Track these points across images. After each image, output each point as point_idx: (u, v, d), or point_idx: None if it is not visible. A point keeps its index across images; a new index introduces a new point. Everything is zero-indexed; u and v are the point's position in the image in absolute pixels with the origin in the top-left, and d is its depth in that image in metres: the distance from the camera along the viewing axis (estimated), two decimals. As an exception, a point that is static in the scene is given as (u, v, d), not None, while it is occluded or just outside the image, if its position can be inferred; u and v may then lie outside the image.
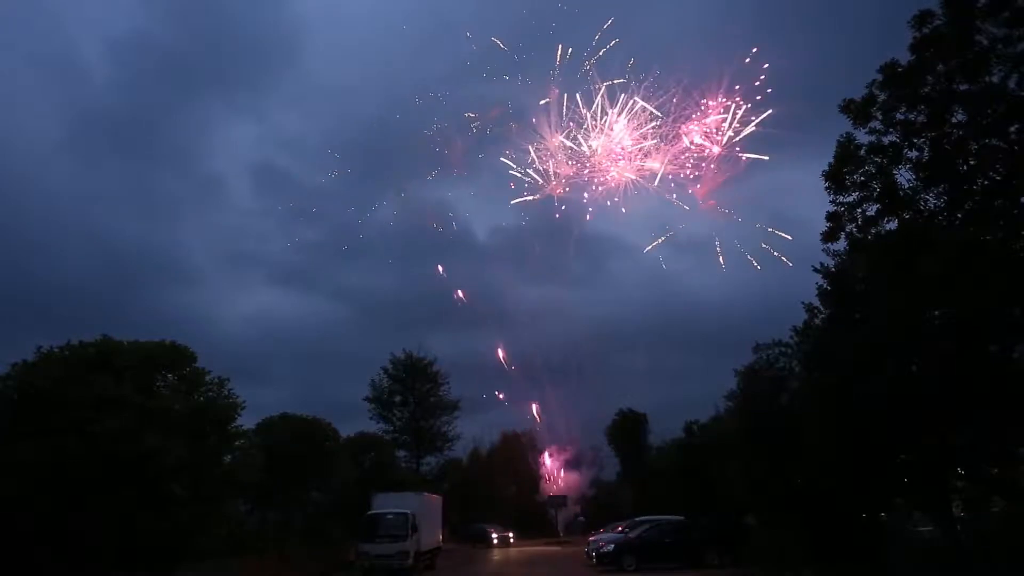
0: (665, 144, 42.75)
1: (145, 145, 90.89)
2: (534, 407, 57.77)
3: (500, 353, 56.06)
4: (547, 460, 59.08)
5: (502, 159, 46.70)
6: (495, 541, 45.18)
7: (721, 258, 48.62)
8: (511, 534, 47.34)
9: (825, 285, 19.16)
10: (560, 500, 53.44)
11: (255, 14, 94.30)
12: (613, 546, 24.51)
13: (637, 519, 29.47)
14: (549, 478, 58.14)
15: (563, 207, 52.70)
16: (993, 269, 13.05)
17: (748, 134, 41.38)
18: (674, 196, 47.80)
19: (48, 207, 78.31)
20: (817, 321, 20.30)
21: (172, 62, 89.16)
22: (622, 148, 43.95)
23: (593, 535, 31.59)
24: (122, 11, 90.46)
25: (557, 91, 43.29)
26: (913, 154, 15.04)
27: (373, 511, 24.06)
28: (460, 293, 57.57)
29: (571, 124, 43.55)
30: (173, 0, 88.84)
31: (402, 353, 49.98)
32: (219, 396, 23.11)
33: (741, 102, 39.95)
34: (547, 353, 60.16)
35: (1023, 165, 13.42)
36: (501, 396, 56.23)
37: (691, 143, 41.68)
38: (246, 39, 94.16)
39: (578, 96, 43.05)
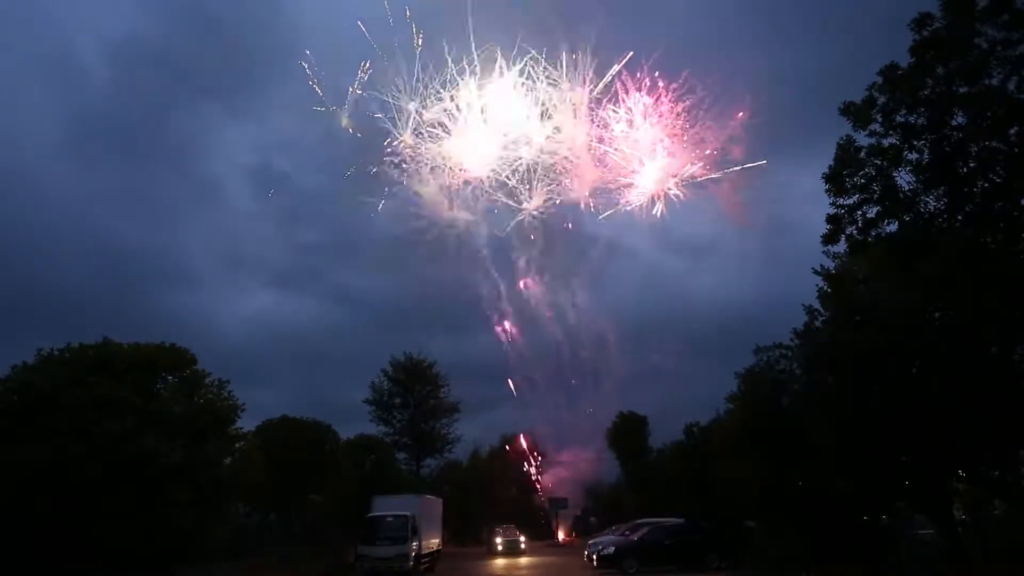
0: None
1: (144, 147, 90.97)
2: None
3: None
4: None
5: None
6: (499, 547, 36.44)
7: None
8: (523, 537, 38.27)
9: (825, 287, 19.19)
10: (561, 502, 53.43)
11: (253, 17, 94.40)
12: (614, 548, 24.46)
13: (638, 522, 29.41)
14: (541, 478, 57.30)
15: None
16: (993, 271, 13.06)
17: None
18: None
19: (47, 209, 78.38)
20: (817, 323, 20.32)
21: (170, 65, 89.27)
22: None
23: (593, 537, 31.54)
24: (120, 13, 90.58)
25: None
26: (913, 156, 15.05)
27: (373, 513, 24.03)
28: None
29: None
30: (171, 3, 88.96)
31: (402, 355, 50.10)
32: (219, 398, 23.11)
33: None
34: (549, 353, 60.03)
35: (1023, 167, 13.43)
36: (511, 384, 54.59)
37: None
38: (244, 42, 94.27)
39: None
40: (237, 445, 24.56)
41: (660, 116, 38.18)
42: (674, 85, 37.50)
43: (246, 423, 25.31)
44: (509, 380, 53.74)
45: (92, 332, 21.99)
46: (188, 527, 20.44)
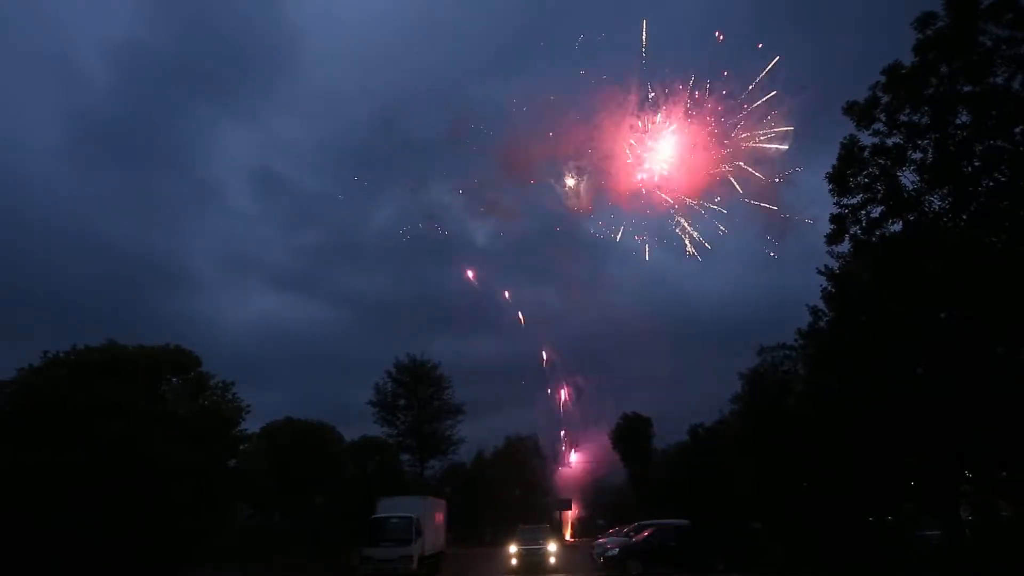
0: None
1: (145, 150, 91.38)
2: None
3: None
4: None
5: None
6: (512, 560, 25.48)
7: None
8: (552, 546, 26.30)
9: (830, 287, 19.10)
10: (565, 503, 53.33)
11: (252, 20, 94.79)
12: (618, 550, 24.39)
13: (642, 523, 29.34)
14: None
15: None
16: (998, 271, 12.99)
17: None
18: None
19: (49, 212, 78.68)
20: (822, 324, 20.22)
21: (170, 68, 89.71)
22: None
23: (599, 539, 31.49)
24: (121, 17, 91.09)
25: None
26: (917, 156, 15.00)
27: (377, 515, 24.04)
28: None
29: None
30: (172, 6, 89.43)
31: (405, 357, 50.10)
32: (224, 400, 23.21)
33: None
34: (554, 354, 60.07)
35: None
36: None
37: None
38: (244, 45, 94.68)
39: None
40: (242, 447, 24.66)
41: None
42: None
43: (250, 425, 25.45)
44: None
45: (96, 335, 22.22)
46: (193, 529, 20.51)
